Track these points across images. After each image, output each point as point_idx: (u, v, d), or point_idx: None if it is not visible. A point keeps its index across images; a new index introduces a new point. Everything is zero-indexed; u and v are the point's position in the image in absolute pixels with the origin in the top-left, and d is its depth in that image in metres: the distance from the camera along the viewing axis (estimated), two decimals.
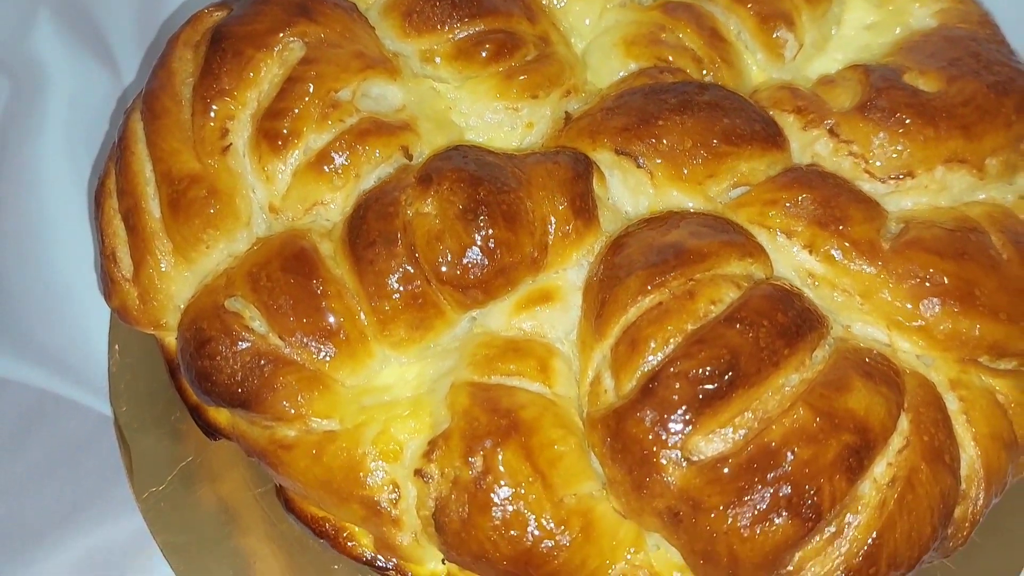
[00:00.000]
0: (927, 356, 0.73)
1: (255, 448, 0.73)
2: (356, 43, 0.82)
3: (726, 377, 0.65)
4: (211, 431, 0.78)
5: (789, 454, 0.64)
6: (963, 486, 0.69)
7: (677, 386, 0.65)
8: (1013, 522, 0.89)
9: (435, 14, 0.85)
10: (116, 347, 0.96)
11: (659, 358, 0.67)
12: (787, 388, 0.67)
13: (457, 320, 0.76)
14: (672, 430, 0.65)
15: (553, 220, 0.75)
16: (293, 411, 0.71)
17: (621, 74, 0.87)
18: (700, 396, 0.65)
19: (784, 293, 0.70)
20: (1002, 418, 0.71)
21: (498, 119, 0.85)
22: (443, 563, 0.73)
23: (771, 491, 0.63)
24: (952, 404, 0.71)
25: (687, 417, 0.65)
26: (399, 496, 0.70)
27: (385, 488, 0.70)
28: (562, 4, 0.91)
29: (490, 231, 0.72)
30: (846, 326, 0.74)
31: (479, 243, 0.72)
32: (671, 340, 0.68)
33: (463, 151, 0.77)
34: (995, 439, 0.70)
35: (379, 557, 0.73)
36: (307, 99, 0.79)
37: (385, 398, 0.73)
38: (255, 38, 0.80)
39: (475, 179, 0.74)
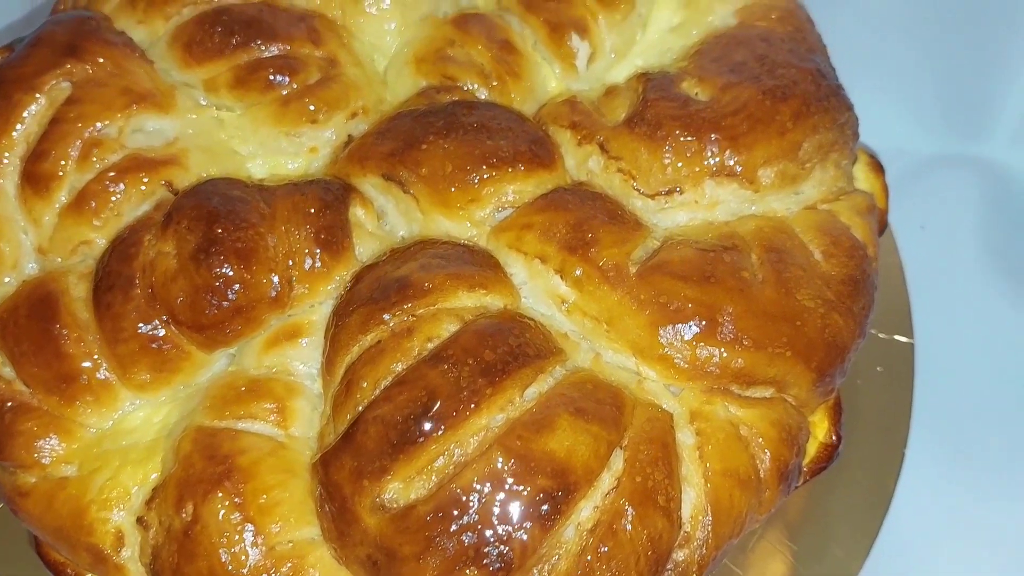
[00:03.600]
0: (675, 385, 0.70)
1: (1, 494, 0.74)
2: (125, 79, 0.81)
3: (423, 421, 0.63)
4: None
5: (476, 502, 0.61)
6: (687, 528, 0.65)
7: (372, 431, 0.63)
8: (838, 549, 0.85)
9: (213, 43, 0.83)
10: None
11: (370, 400, 0.65)
12: (493, 428, 0.64)
13: (209, 360, 0.74)
14: (368, 477, 0.63)
15: (298, 254, 0.74)
16: (32, 457, 0.72)
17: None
18: (395, 441, 0.63)
19: (500, 327, 0.67)
20: (741, 453, 0.67)
21: (279, 146, 0.83)
22: None
23: (456, 541, 0.61)
24: (688, 438, 0.67)
25: (383, 463, 0.63)
26: (123, 544, 0.69)
27: (109, 536, 0.69)
28: (361, 21, 0.89)
29: (223, 270, 0.71)
30: (597, 353, 0.71)
31: (211, 283, 0.71)
32: (382, 381, 0.66)
33: (212, 185, 0.76)
34: (728, 476, 0.66)
35: None
36: (68, 139, 0.78)
37: (124, 443, 0.72)
38: (23, 81, 0.80)
39: (212, 216, 0.73)
